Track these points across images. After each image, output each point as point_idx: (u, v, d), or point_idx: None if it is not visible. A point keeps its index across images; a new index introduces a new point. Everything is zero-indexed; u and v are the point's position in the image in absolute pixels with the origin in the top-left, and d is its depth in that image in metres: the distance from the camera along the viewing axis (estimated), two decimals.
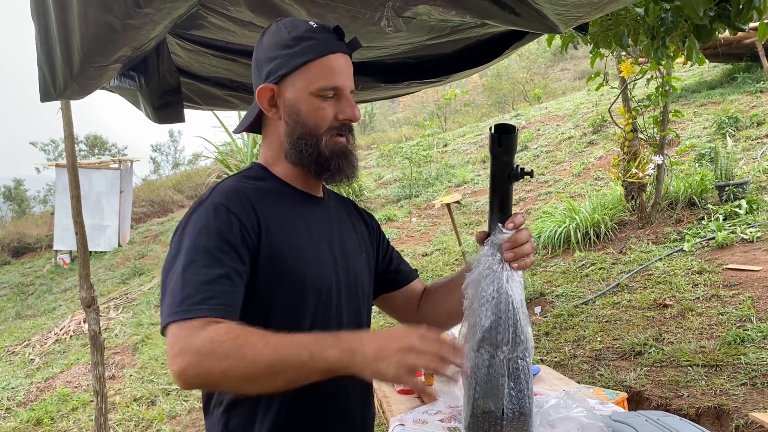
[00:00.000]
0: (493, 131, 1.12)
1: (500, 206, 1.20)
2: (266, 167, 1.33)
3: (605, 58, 4.54)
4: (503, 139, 1.12)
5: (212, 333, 1.00)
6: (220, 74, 2.61)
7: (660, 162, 6.13)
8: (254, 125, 1.37)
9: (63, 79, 1.91)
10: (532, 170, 1.23)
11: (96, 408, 3.29)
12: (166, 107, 2.32)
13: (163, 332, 1.06)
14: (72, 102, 3.36)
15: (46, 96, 2.01)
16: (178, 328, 1.03)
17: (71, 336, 7.87)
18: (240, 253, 1.13)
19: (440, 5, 1.86)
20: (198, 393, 5.04)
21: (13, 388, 6.28)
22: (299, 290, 1.20)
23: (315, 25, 1.27)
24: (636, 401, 3.51)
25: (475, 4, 1.87)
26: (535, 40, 3.13)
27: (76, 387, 5.95)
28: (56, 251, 13.27)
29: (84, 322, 7.22)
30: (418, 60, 2.68)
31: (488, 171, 1.16)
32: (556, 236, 6.59)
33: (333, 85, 1.24)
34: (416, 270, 1.58)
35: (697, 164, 7.29)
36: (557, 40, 4.24)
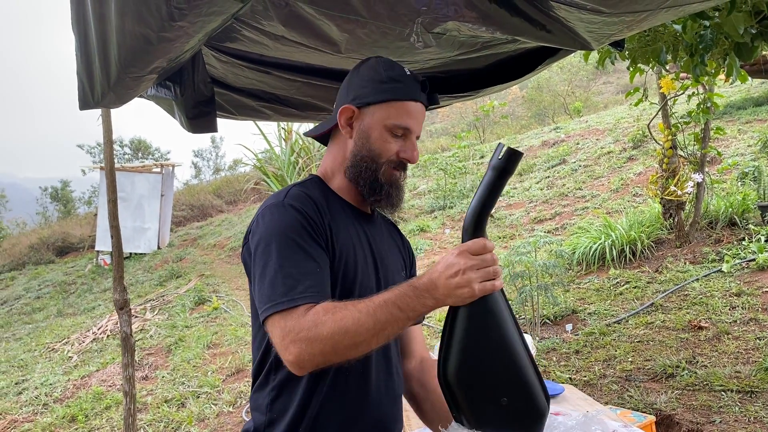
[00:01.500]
0: (505, 146, 1.14)
1: (479, 218, 1.19)
2: (324, 180, 1.46)
3: (645, 73, 4.47)
4: (512, 155, 1.13)
5: (313, 317, 1.12)
6: (253, 86, 2.66)
7: (700, 180, 5.99)
8: (323, 136, 1.53)
9: (101, 88, 1.97)
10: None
11: (125, 409, 3.36)
12: (199, 117, 2.38)
13: (263, 323, 1.18)
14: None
15: (84, 104, 2.08)
16: (282, 319, 1.14)
17: (108, 335, 8.06)
18: (321, 245, 1.26)
19: (470, 22, 1.86)
20: (227, 396, 5.11)
21: (51, 384, 6.46)
22: (347, 296, 1.29)
23: (408, 73, 1.43)
24: (666, 425, 3.43)
25: (505, 20, 1.87)
26: (576, 53, 3.11)
27: (110, 386, 6.09)
28: (98, 252, 13.62)
29: None
30: (448, 74, 2.69)
31: (499, 182, 1.17)
32: (591, 253, 6.49)
33: (406, 125, 1.40)
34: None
35: (739, 183, 7.11)
36: (595, 55, 4.21)
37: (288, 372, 1.25)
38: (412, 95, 1.41)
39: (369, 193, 1.41)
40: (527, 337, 2.90)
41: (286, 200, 1.30)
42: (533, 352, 2.86)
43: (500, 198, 7.51)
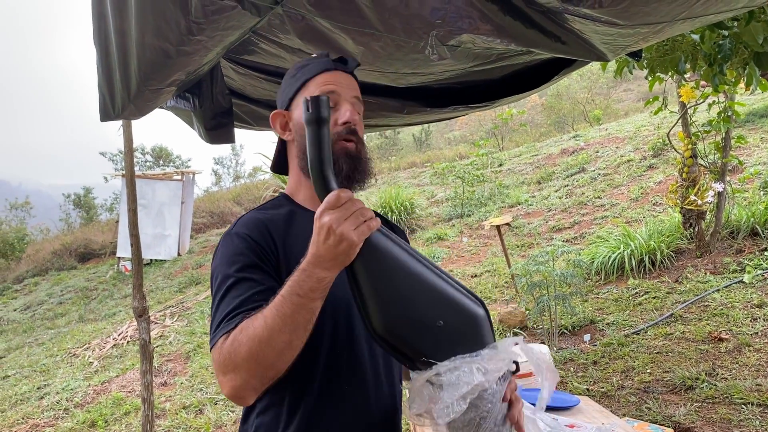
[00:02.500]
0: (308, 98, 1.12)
1: (321, 174, 1.13)
2: (290, 196, 1.43)
3: (665, 81, 4.44)
4: (316, 102, 1.11)
5: (231, 341, 1.10)
6: (271, 97, 2.69)
7: (720, 189, 5.93)
8: (284, 164, 1.48)
9: (121, 100, 2.02)
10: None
11: (143, 415, 3.40)
12: (217, 128, 2.42)
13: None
14: None
15: (105, 116, 2.12)
16: (213, 353, 1.14)
17: (128, 341, 8.15)
18: (266, 270, 1.23)
19: (484, 34, 1.88)
20: None
21: (72, 389, 6.54)
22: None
23: (315, 55, 1.42)
24: None
25: (519, 33, 1.88)
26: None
27: (130, 392, 6.15)
28: (119, 258, 13.79)
29: None
30: (464, 85, 2.70)
31: (319, 133, 1.12)
32: (610, 262, 6.44)
33: (328, 90, 1.34)
34: None
35: (761, 192, 7.01)
36: (613, 64, 4.19)
37: (269, 398, 1.25)
38: (322, 67, 1.38)
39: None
40: (542, 347, 2.89)
41: (234, 229, 1.29)
42: (550, 361, 2.85)
43: (520, 206, 7.43)
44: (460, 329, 1.13)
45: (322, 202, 1.09)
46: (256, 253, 1.24)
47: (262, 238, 1.26)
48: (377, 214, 1.18)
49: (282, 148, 1.47)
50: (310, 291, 1.08)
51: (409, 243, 1.58)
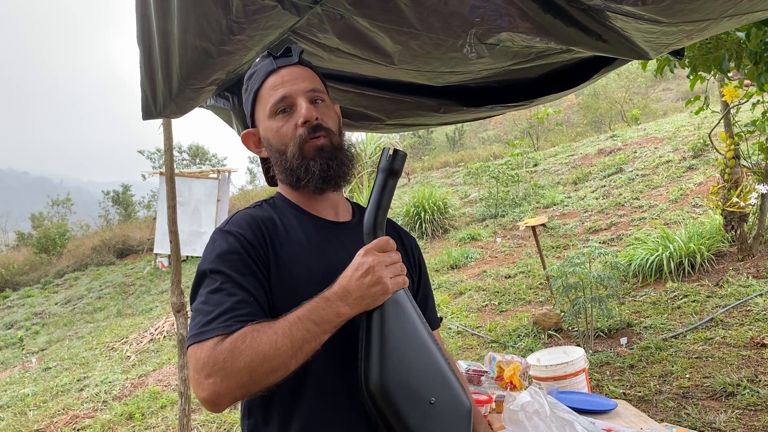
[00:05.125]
0: (390, 149, 1.17)
1: (377, 219, 1.18)
2: (284, 195, 1.39)
3: (707, 80, 4.34)
4: (396, 156, 1.17)
5: (230, 345, 1.04)
6: None
7: (765, 191, 5.76)
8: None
9: (163, 99, 2.05)
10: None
11: (180, 409, 3.46)
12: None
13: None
14: None
15: (147, 114, 2.17)
16: (194, 352, 1.07)
17: (164, 336, 8.30)
18: (254, 270, 1.18)
19: (524, 32, 1.86)
20: None
21: (110, 382, 6.69)
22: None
23: (258, 58, 1.35)
24: None
25: (560, 31, 1.85)
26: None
27: (166, 386, 6.26)
28: (156, 254, 14.06)
29: None
30: (501, 84, 2.68)
31: (388, 183, 1.20)
32: (648, 265, 6.32)
33: (278, 97, 1.29)
34: (441, 318, 1.56)
35: None
36: (653, 62, 4.11)
37: (261, 403, 1.22)
38: (266, 71, 1.32)
39: (305, 184, 1.28)
40: (579, 349, 2.85)
41: (226, 227, 1.25)
42: (586, 366, 2.81)
43: (555, 207, 7.37)
44: (448, 414, 1.12)
45: (367, 243, 1.13)
46: (248, 252, 1.19)
47: (255, 237, 1.22)
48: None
49: (266, 162, 1.43)
50: (326, 322, 1.06)
51: (405, 237, 1.51)
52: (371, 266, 1.06)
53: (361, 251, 1.10)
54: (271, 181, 1.45)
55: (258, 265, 1.19)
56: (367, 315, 1.11)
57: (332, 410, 1.20)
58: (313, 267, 1.23)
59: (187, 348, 1.11)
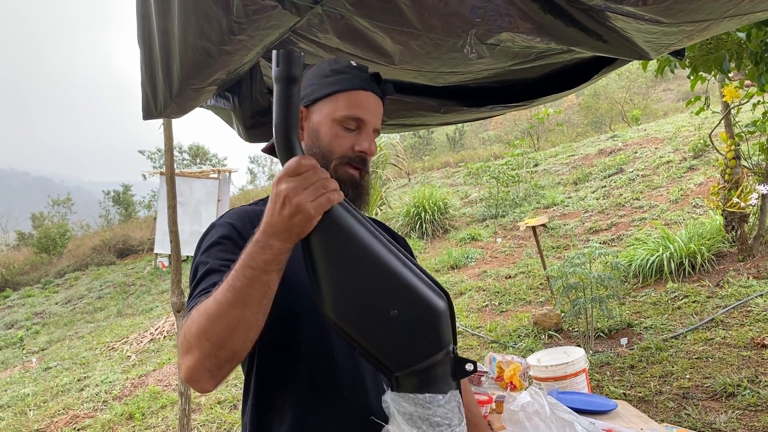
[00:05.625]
0: (279, 52, 1.01)
1: (286, 137, 1.04)
2: None
3: (707, 81, 4.34)
4: (288, 57, 1.00)
5: (187, 322, 1.04)
6: None
7: (765, 192, 5.76)
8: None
9: (163, 99, 2.05)
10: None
11: (180, 409, 3.45)
12: (256, 127, 2.44)
13: None
14: None
15: (148, 114, 2.16)
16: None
17: (165, 336, 8.30)
18: (235, 254, 1.14)
19: (524, 33, 1.86)
20: None
21: (110, 382, 6.69)
22: (290, 312, 1.22)
23: (354, 64, 1.32)
24: None
25: (560, 31, 1.85)
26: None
27: (166, 386, 6.26)
28: (156, 254, 14.06)
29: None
30: (502, 84, 2.68)
31: (288, 92, 1.02)
32: (648, 265, 6.32)
33: (357, 116, 1.28)
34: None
35: None
36: (654, 62, 4.11)
37: (257, 394, 1.24)
38: (360, 85, 1.30)
39: None
40: (579, 350, 2.85)
41: (220, 220, 1.28)
42: (586, 366, 2.81)
43: (555, 207, 7.31)
44: (415, 321, 1.02)
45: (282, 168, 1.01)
46: (234, 241, 1.20)
47: (244, 228, 1.23)
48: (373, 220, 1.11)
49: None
50: (263, 263, 1.00)
51: (411, 252, 1.45)
52: (286, 195, 0.97)
53: (274, 180, 1.01)
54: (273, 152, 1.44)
55: (240, 249, 1.16)
56: (304, 242, 1.03)
57: (326, 399, 1.21)
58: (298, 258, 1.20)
59: None
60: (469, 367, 1.04)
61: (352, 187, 1.28)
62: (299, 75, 1.00)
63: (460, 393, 1.05)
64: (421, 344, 1.02)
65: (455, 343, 1.07)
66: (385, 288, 1.02)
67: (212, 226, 1.27)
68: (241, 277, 1.00)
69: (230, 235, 1.22)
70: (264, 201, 1.36)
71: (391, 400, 1.02)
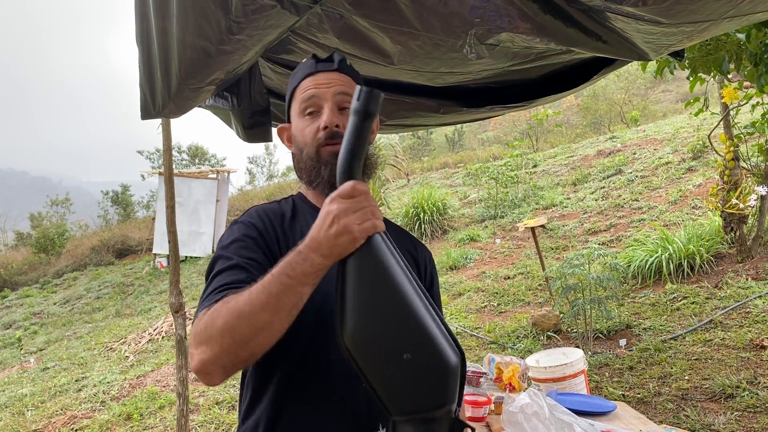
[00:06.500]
0: (362, 88, 1.08)
1: (349, 164, 1.09)
2: (305, 195, 1.41)
3: (706, 82, 4.34)
4: (369, 95, 1.06)
5: (210, 313, 1.05)
6: None
7: (764, 193, 5.76)
8: None
9: (162, 99, 2.05)
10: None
11: (178, 410, 3.45)
12: (255, 127, 2.44)
13: None
14: None
15: (146, 114, 2.16)
16: (194, 325, 1.09)
17: (163, 337, 8.29)
18: (257, 253, 1.20)
19: (524, 33, 1.85)
20: None
21: (108, 382, 6.68)
22: (307, 310, 1.20)
23: (305, 59, 1.37)
24: None
25: (559, 31, 1.85)
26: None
27: (164, 386, 6.25)
28: (155, 254, 14.04)
29: None
30: (501, 85, 2.68)
31: (362, 125, 1.08)
32: (647, 266, 6.32)
33: (308, 96, 1.31)
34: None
35: None
36: (653, 63, 4.11)
37: (252, 392, 1.24)
38: (306, 72, 1.34)
39: (317, 185, 1.31)
40: (578, 351, 2.85)
41: (240, 218, 1.30)
42: (585, 367, 2.81)
43: (554, 208, 7.33)
44: (425, 370, 1.02)
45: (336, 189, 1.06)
46: (254, 239, 1.23)
47: (264, 226, 1.26)
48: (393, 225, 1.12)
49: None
50: (301, 275, 1.03)
51: (418, 245, 1.48)
52: (336, 215, 1.02)
53: (327, 199, 1.05)
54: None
55: (262, 248, 1.22)
56: (340, 264, 1.06)
57: (319, 401, 1.21)
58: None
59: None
60: None
61: (334, 164, 1.25)
62: (375, 112, 1.07)
63: None
64: (425, 394, 1.02)
65: (459, 405, 1.06)
66: (403, 328, 1.03)
67: (235, 223, 1.30)
68: (278, 284, 1.03)
69: (253, 234, 1.24)
70: (285, 200, 1.40)
71: None
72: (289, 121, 1.40)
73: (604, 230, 8.57)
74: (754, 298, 5.11)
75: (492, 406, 2.41)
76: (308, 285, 1.05)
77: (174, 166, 3.71)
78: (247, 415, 1.27)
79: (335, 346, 1.20)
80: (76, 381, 7.03)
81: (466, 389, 2.59)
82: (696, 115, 5.40)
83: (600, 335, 5.28)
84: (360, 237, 1.03)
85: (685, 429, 3.27)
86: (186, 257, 13.62)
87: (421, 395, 1.02)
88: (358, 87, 1.07)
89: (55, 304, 12.87)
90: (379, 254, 1.06)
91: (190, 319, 8.54)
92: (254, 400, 1.26)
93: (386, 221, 1.42)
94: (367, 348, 1.03)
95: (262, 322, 1.02)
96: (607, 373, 4.49)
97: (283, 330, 1.05)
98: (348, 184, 1.04)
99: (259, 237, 1.24)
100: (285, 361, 1.22)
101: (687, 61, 3.62)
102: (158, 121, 3.89)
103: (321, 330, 1.22)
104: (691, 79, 3.99)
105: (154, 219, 14.82)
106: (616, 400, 2.99)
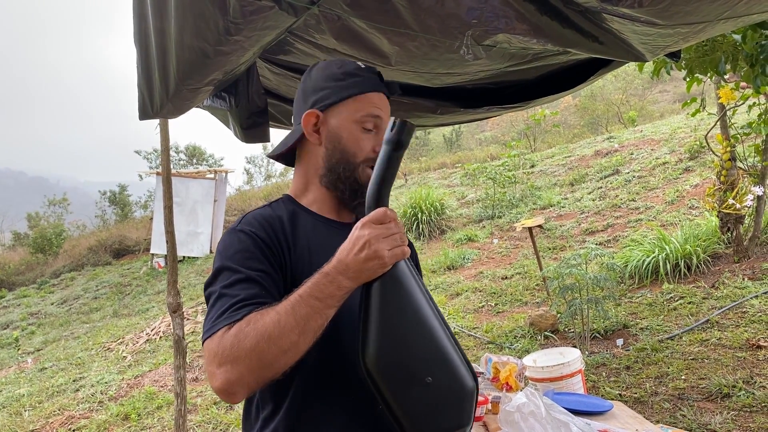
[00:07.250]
0: (396, 120, 1.13)
1: (379, 192, 1.15)
2: (294, 198, 1.38)
3: (703, 82, 4.35)
4: (402, 127, 1.12)
5: (235, 331, 1.05)
6: None
7: (760, 193, 5.78)
8: (287, 155, 1.44)
9: (160, 99, 2.05)
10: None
11: (176, 410, 3.45)
12: (253, 127, 2.44)
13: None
14: None
15: (144, 115, 2.16)
16: (207, 345, 1.08)
17: (161, 337, 8.29)
18: (266, 265, 1.19)
19: (521, 34, 1.86)
20: None
21: (106, 382, 6.67)
22: None
23: (363, 66, 1.36)
24: None
25: (556, 32, 1.86)
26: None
27: (162, 386, 6.25)
28: (153, 255, 14.03)
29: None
30: (498, 85, 2.68)
31: (393, 155, 1.14)
32: (644, 266, 6.33)
33: (376, 113, 1.32)
34: None
35: None
36: (650, 64, 4.12)
37: (272, 408, 1.21)
38: (374, 86, 1.35)
39: (351, 198, 1.32)
40: (575, 350, 2.85)
41: (238, 226, 1.26)
42: (582, 367, 2.82)
43: (552, 208, 7.38)
44: (445, 394, 1.07)
45: (367, 215, 1.10)
46: (261, 250, 1.21)
47: (268, 236, 1.24)
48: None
49: (300, 142, 1.40)
50: (329, 297, 1.06)
51: (416, 263, 1.48)
52: (368, 240, 1.05)
53: (358, 224, 1.09)
54: (283, 158, 1.46)
55: (270, 260, 1.20)
56: (365, 287, 1.09)
57: (334, 390, 1.21)
58: (322, 265, 1.21)
59: (202, 344, 1.11)
60: None
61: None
62: (407, 143, 1.13)
63: None
64: (443, 417, 1.07)
65: (471, 427, 1.11)
66: (427, 354, 1.08)
67: (234, 231, 1.25)
68: (305, 306, 1.05)
69: (258, 243, 1.21)
70: (275, 204, 1.38)
71: None
72: (321, 110, 1.34)
73: (602, 230, 8.59)
74: (751, 298, 5.12)
75: (489, 406, 2.41)
76: (334, 307, 1.08)
77: (172, 166, 3.71)
78: (264, 425, 1.23)
79: (349, 348, 1.21)
80: (74, 381, 7.03)
81: None
82: (693, 115, 5.42)
83: (597, 335, 5.29)
84: (389, 263, 1.07)
85: (681, 428, 3.28)
86: (184, 257, 13.61)
87: (439, 418, 1.07)
88: (392, 118, 1.12)
89: (52, 304, 12.85)
90: (403, 279, 1.11)
91: (188, 319, 8.55)
92: (273, 411, 1.22)
93: None
94: (390, 371, 1.06)
95: (290, 343, 1.04)
96: (604, 373, 4.50)
97: (305, 350, 1.07)
98: (380, 211, 1.09)
99: (265, 246, 1.22)
100: (300, 371, 1.19)
101: (684, 62, 3.63)
102: (156, 121, 3.89)
103: (334, 332, 1.20)
104: (688, 79, 4.01)
105: (151, 219, 14.81)
106: (612, 399, 3.00)
